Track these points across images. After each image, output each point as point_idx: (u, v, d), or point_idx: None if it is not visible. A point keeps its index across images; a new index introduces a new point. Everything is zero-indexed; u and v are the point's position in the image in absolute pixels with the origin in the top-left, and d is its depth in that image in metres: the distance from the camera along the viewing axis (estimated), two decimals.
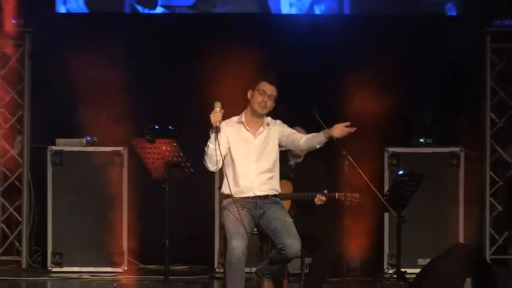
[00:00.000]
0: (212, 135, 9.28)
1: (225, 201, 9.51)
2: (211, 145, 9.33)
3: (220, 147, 9.43)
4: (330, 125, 9.71)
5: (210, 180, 11.42)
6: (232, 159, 9.51)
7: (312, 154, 10.70)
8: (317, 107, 9.97)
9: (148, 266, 12.50)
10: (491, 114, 12.89)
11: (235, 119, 9.56)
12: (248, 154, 9.47)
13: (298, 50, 12.62)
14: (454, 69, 13.01)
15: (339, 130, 9.37)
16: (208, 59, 12.31)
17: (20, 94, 12.88)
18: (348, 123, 9.39)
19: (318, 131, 9.81)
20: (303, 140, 9.56)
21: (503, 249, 12.59)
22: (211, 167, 9.52)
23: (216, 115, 9.13)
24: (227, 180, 9.51)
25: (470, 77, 13.14)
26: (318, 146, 9.50)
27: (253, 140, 9.45)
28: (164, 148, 10.53)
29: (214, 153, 9.40)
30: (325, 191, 10.36)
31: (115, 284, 10.17)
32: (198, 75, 12.30)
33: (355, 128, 9.24)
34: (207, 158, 9.43)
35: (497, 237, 12.63)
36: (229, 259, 9.19)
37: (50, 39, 12.90)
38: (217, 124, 9.12)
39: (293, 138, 9.61)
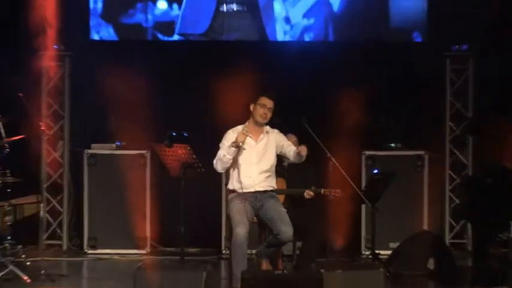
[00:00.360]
0: (232, 149, 9.61)
1: (231, 195, 9.97)
2: (228, 156, 9.70)
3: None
4: (316, 131, 10.22)
5: (218, 178, 11.65)
6: (237, 161, 9.85)
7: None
8: (306, 118, 10.35)
9: (167, 249, 12.56)
10: (450, 123, 13.03)
11: (240, 127, 9.87)
12: (250, 157, 9.86)
13: (291, 71, 12.73)
14: (421, 86, 13.01)
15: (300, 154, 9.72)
16: (216, 78, 12.20)
17: (61, 106, 13.06)
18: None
19: (306, 137, 10.35)
20: (293, 155, 9.87)
21: (459, 235, 12.84)
22: (221, 170, 10.00)
23: (243, 137, 9.51)
24: (233, 178, 9.96)
25: (434, 93, 13.02)
26: (303, 159, 9.82)
27: (255, 145, 9.87)
28: (180, 151, 10.48)
29: (228, 162, 9.77)
30: (313, 187, 10.55)
31: (140, 264, 10.11)
32: (207, 92, 12.35)
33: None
34: (219, 163, 9.83)
35: (454, 225, 12.93)
36: (234, 242, 9.60)
37: (86, 61, 12.90)
38: (241, 144, 9.56)
39: (287, 150, 10.04)
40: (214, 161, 9.96)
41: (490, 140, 11.00)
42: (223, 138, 10.00)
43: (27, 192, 12.25)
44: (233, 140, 9.77)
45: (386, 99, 13.14)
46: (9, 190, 11.00)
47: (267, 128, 10.05)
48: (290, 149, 10.00)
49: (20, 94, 11.23)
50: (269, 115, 9.90)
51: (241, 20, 13.05)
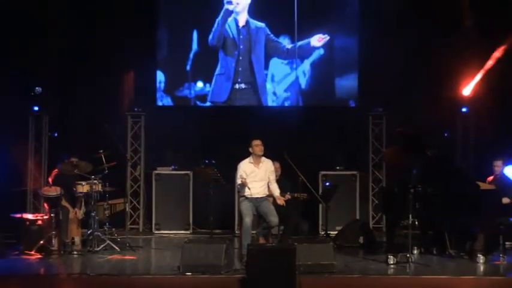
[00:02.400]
0: (242, 186, 9.84)
1: (241, 198, 10.01)
2: (241, 188, 9.95)
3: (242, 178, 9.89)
4: (292, 160, 10.34)
5: (232, 188, 11.31)
6: (247, 179, 9.89)
7: (282, 175, 10.86)
8: (286, 152, 10.43)
9: (202, 230, 12.28)
10: (372, 155, 12.73)
11: (247, 160, 10.00)
12: (254, 177, 9.93)
13: (277, 123, 12.47)
14: (355, 132, 12.91)
15: (278, 200, 9.95)
16: (229, 129, 12.46)
17: (139, 145, 12.86)
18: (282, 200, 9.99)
19: (286, 164, 10.47)
20: (271, 187, 10.11)
21: (378, 222, 12.63)
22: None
23: (245, 182, 9.74)
24: (244, 188, 9.90)
25: (362, 137, 12.81)
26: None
27: (257, 171, 9.96)
28: (210, 172, 10.46)
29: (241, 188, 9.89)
30: (289, 193, 10.48)
31: (186, 239, 10.15)
32: (226, 137, 12.36)
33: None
34: (240, 187, 9.98)
35: (375, 216, 12.75)
36: (243, 227, 9.74)
37: (155, 118, 12.82)
38: (246, 184, 9.75)
39: (270, 177, 10.08)
40: (237, 183, 10.11)
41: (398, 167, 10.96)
42: (239, 168, 10.06)
43: (118, 196, 12.13)
44: (243, 169, 9.94)
45: (334, 138, 12.88)
46: (107, 195, 11.08)
47: (263, 158, 10.05)
48: (272, 177, 10.15)
49: (107, 125, 11.09)
50: (263, 148, 9.96)
51: (247, 93, 12.86)
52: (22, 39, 12.03)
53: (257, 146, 9.98)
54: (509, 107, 11.91)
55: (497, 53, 12.09)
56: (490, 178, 10.63)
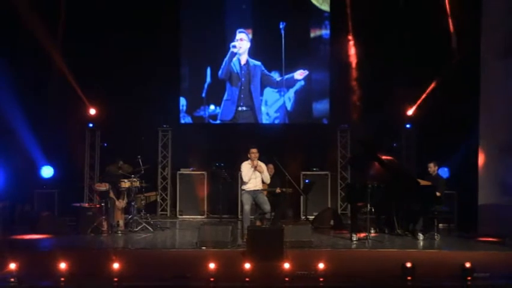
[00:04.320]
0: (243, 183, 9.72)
1: (243, 191, 9.88)
2: (246, 178, 9.73)
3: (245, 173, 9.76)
4: (282, 163, 10.37)
5: (236, 183, 11.30)
6: (247, 176, 9.79)
7: (275, 174, 10.76)
8: (276, 157, 10.50)
9: (213, 215, 12.03)
10: (340, 159, 12.50)
11: (247, 162, 9.84)
12: (252, 174, 9.79)
13: (268, 136, 12.21)
14: (327, 144, 12.67)
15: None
16: (234, 141, 12.15)
17: (167, 153, 12.69)
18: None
19: (277, 167, 10.47)
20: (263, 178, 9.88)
21: (344, 209, 12.38)
22: (246, 180, 9.83)
23: (254, 166, 9.61)
24: (244, 183, 9.82)
25: (332, 147, 12.62)
26: (268, 181, 9.96)
27: (254, 171, 9.80)
28: (220, 172, 10.46)
29: (246, 180, 9.77)
30: (278, 188, 10.52)
31: (201, 222, 10.09)
32: (231, 146, 11.98)
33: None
34: (245, 178, 9.77)
35: (342, 205, 12.55)
36: (244, 213, 9.69)
37: (179, 132, 12.73)
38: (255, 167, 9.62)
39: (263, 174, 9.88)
40: (243, 177, 9.84)
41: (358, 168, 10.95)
42: (242, 167, 9.91)
43: (151, 190, 11.95)
44: (247, 167, 9.76)
45: (312, 147, 12.65)
46: (143, 189, 10.99)
47: (257, 160, 9.89)
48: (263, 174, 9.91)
49: (143, 138, 11.28)
50: (258, 155, 9.86)
51: (247, 114, 12.77)
52: (82, 80, 12.03)
53: (253, 153, 9.87)
54: (441, 124, 11.78)
55: (433, 84, 11.96)
56: (428, 176, 10.61)
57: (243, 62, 12.78)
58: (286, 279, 7.53)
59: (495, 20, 10.12)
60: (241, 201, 10.04)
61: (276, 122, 12.89)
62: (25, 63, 11.50)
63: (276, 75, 12.81)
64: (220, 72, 12.77)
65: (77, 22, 11.70)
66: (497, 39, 10.15)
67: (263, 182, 10.04)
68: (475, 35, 10.49)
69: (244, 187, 9.91)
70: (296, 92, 12.85)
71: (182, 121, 12.87)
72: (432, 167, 10.49)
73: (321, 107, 12.83)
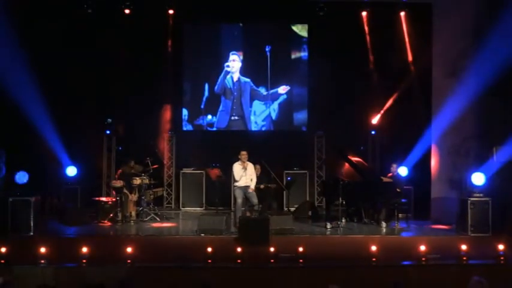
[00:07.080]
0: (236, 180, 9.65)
1: (235, 188, 9.84)
2: (238, 177, 9.72)
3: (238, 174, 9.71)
4: (269, 165, 10.32)
5: (229, 180, 10.83)
6: (239, 174, 9.76)
7: (261, 173, 10.63)
8: (264, 160, 10.47)
9: (211, 207, 11.57)
10: (317, 161, 12.29)
11: (238, 162, 9.79)
12: (243, 173, 9.75)
13: (256, 141, 12.07)
14: (305, 148, 12.41)
15: (251, 189, 9.64)
16: (228, 145, 11.90)
17: (172, 155, 12.49)
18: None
19: (264, 168, 10.36)
20: (252, 181, 9.81)
21: (320, 202, 12.20)
22: (237, 179, 9.81)
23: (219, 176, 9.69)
24: (237, 181, 9.80)
25: (310, 150, 12.21)
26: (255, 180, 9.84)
27: (244, 170, 9.77)
28: (216, 171, 10.72)
29: (237, 179, 9.70)
30: (264, 183, 10.51)
31: (201, 213, 10.08)
32: (225, 150, 11.78)
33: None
34: (236, 177, 9.75)
35: (318, 198, 12.37)
36: (236, 205, 9.70)
37: (181, 138, 12.54)
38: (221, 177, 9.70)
39: (251, 177, 9.81)
40: (235, 176, 9.75)
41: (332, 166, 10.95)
42: (234, 167, 9.86)
43: (159, 186, 11.85)
44: (238, 167, 9.66)
45: (293, 150, 12.45)
46: (152, 186, 10.92)
47: (248, 162, 9.90)
48: (253, 176, 9.86)
49: (152, 142, 11.23)
50: (247, 156, 9.84)
51: (238, 122, 12.66)
52: (101, 101, 11.98)
53: (243, 155, 9.86)
54: (400, 131, 11.76)
55: (394, 96, 11.98)
56: (389, 174, 10.71)
57: (235, 79, 12.75)
58: (272, 260, 7.68)
59: (444, 47, 10.55)
60: (234, 196, 9.98)
61: (263, 129, 12.72)
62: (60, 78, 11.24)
63: (263, 90, 12.74)
64: (216, 87, 12.70)
65: (96, 48, 11.54)
66: (446, 62, 10.51)
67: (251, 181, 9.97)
68: (428, 58, 10.75)
69: (236, 184, 9.87)
70: (280, 104, 12.72)
71: (184, 128, 12.71)
72: (394, 167, 10.63)
73: (300, 116, 12.71)
